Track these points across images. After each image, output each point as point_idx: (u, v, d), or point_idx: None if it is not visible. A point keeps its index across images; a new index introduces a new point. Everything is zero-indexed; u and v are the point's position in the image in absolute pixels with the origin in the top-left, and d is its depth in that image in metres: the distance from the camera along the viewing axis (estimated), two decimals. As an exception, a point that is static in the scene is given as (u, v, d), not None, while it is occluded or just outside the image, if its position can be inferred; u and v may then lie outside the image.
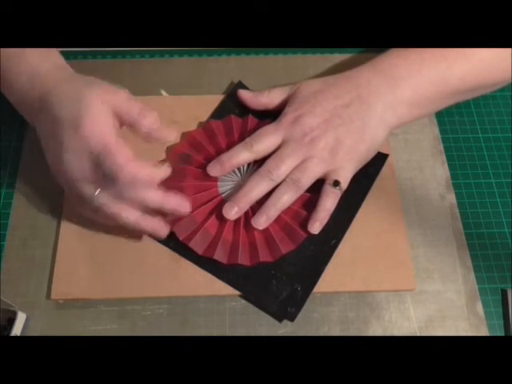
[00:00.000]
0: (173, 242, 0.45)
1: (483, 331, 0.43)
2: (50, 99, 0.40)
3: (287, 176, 0.44)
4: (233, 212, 0.44)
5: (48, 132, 0.41)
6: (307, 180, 0.44)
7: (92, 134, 0.38)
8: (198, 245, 0.44)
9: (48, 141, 0.42)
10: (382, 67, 0.47)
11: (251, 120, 0.49)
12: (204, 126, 0.50)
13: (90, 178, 0.40)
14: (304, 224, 0.45)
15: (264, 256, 0.44)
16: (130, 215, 0.41)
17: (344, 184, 0.45)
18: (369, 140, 0.46)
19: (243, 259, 0.44)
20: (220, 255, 0.44)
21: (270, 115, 0.49)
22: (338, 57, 0.58)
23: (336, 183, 0.44)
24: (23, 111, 0.45)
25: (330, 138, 0.45)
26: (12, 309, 0.41)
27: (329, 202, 0.44)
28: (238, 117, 0.50)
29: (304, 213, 0.45)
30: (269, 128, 0.46)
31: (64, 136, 0.39)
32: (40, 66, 0.43)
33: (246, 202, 0.44)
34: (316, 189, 0.45)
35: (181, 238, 0.44)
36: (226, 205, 0.44)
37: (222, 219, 0.45)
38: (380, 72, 0.47)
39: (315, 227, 0.44)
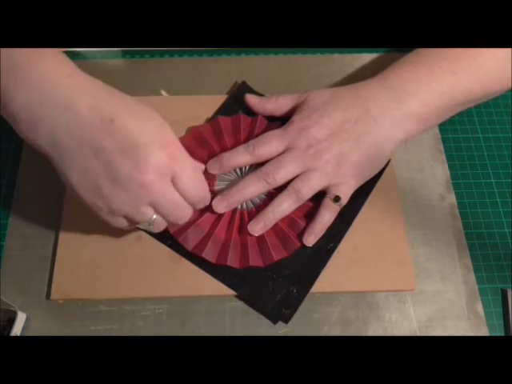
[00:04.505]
0: (170, 239, 0.45)
1: (483, 331, 0.43)
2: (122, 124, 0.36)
3: (289, 185, 0.44)
4: (221, 206, 0.44)
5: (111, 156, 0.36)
6: (308, 191, 0.44)
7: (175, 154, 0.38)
8: (188, 241, 0.44)
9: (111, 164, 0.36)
10: (390, 82, 0.46)
11: (260, 121, 0.49)
12: (211, 122, 0.50)
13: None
14: (300, 233, 0.45)
15: (254, 260, 0.44)
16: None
17: (344, 200, 0.45)
18: (374, 157, 0.45)
19: (232, 261, 0.44)
20: (209, 254, 0.44)
21: (280, 118, 0.49)
22: (337, 57, 0.58)
23: (337, 199, 0.44)
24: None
25: (335, 152, 0.44)
26: (12, 309, 0.41)
27: (327, 216, 0.44)
28: (247, 115, 0.50)
29: (301, 222, 0.45)
30: (274, 134, 0.46)
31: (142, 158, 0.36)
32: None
33: (236, 198, 0.44)
34: (317, 199, 0.45)
35: (171, 232, 0.44)
36: (217, 198, 0.44)
37: (216, 217, 0.45)
38: (389, 87, 0.46)
39: (310, 240, 0.44)
